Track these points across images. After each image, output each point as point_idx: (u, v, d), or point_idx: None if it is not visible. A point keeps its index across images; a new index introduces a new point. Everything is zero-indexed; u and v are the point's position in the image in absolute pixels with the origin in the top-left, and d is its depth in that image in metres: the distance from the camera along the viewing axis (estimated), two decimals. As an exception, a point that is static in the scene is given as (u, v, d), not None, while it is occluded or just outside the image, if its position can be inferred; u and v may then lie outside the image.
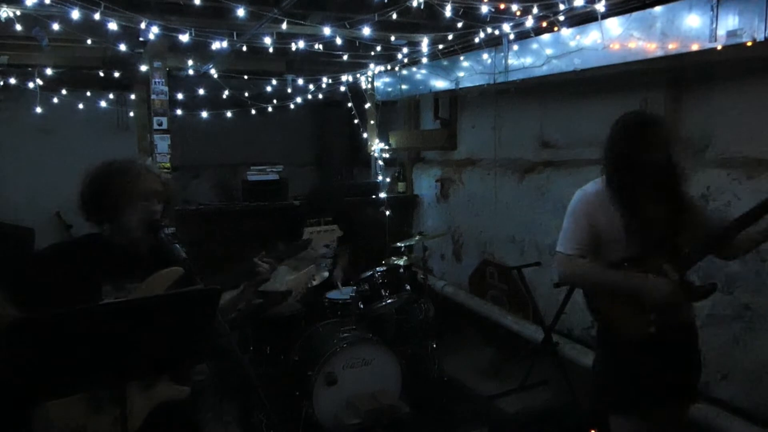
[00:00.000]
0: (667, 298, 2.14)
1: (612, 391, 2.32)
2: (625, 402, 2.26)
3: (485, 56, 4.27)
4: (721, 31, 2.72)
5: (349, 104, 5.69)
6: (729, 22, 2.69)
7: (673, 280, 2.15)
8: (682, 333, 2.30)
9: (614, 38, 3.24)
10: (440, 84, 4.91)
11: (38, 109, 5.02)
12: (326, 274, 4.26)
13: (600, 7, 3.07)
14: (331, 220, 2.76)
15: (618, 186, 2.19)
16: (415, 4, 3.20)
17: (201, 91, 5.18)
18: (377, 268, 3.90)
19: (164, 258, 2.05)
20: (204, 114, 5.59)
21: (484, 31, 3.73)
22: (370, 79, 5.75)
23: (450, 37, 3.93)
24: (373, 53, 4.39)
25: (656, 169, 2.15)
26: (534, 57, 3.83)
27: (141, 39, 3.92)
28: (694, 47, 2.85)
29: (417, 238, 4.51)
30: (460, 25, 3.69)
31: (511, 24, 3.52)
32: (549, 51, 3.70)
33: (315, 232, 2.60)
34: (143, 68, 4.58)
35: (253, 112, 5.62)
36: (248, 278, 2.20)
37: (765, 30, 2.54)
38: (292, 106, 5.83)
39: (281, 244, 2.41)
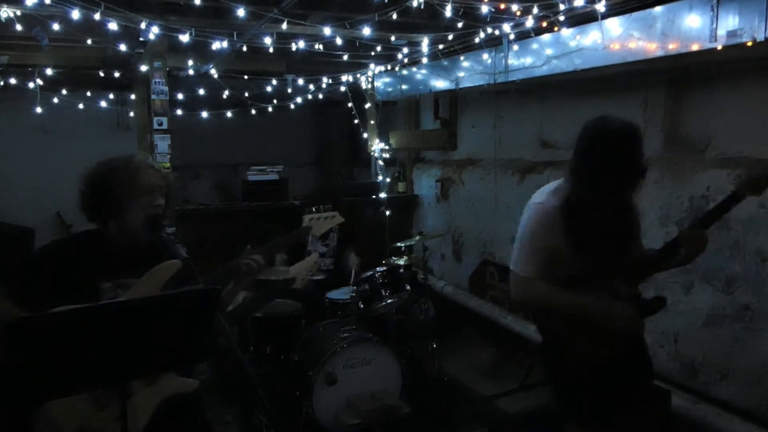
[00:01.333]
0: (631, 322, 2.09)
1: (569, 405, 2.30)
2: (583, 415, 2.23)
3: (485, 56, 4.27)
4: (722, 31, 2.71)
5: (350, 104, 5.69)
6: (729, 22, 2.69)
7: (626, 296, 2.11)
8: (632, 344, 2.26)
9: (614, 38, 3.24)
10: (440, 84, 4.91)
11: (38, 109, 5.01)
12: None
13: (600, 7, 3.07)
14: (331, 207, 2.73)
15: (586, 198, 2.05)
16: (415, 4, 3.20)
17: (201, 91, 5.18)
18: (377, 268, 3.90)
19: (162, 252, 2.05)
20: (204, 114, 5.59)
21: (485, 31, 3.73)
22: (370, 79, 5.74)
23: (450, 37, 3.93)
24: (373, 53, 4.39)
25: (629, 181, 2.03)
26: (534, 57, 3.83)
27: (141, 39, 3.92)
28: (695, 47, 2.84)
29: (417, 238, 4.51)
30: (460, 25, 3.69)
31: (512, 24, 3.52)
32: (549, 51, 3.70)
33: (314, 219, 2.56)
34: (143, 68, 4.58)
35: (253, 112, 5.62)
36: (236, 275, 2.21)
37: (765, 30, 2.54)
38: (292, 106, 5.83)
39: (276, 238, 2.41)
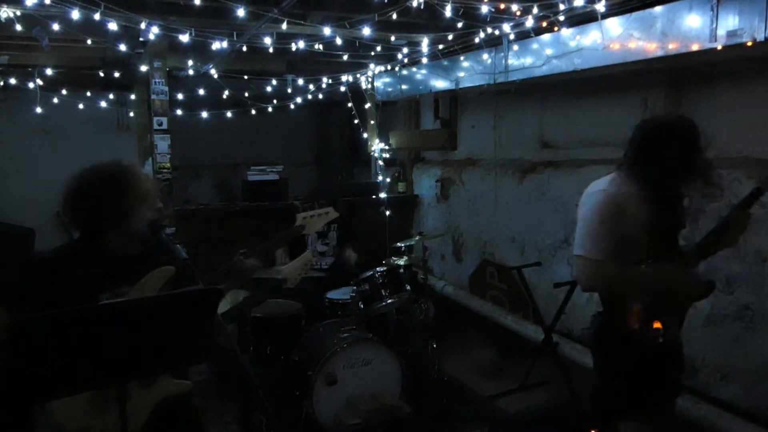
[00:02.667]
0: (699, 290, 2.24)
1: (622, 397, 2.27)
2: (637, 407, 2.24)
3: (485, 56, 4.27)
4: (722, 31, 2.72)
5: (349, 104, 5.69)
6: (729, 22, 2.69)
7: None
8: (677, 332, 2.31)
9: (614, 38, 3.24)
10: (440, 84, 4.91)
11: (38, 109, 5.02)
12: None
13: (600, 7, 3.07)
14: (325, 203, 2.71)
15: (650, 188, 2.16)
16: (415, 4, 3.20)
17: (201, 91, 5.19)
18: (377, 268, 3.90)
19: (156, 258, 2.04)
20: (204, 114, 5.59)
21: (484, 31, 3.73)
22: (370, 79, 5.75)
23: (450, 37, 3.93)
24: (373, 53, 4.39)
25: (694, 171, 2.19)
26: (534, 57, 3.83)
27: (141, 39, 3.92)
28: (695, 47, 2.84)
29: (417, 238, 4.51)
30: (460, 25, 3.69)
31: (511, 24, 3.52)
32: (549, 51, 3.70)
33: (308, 217, 2.53)
34: (143, 68, 4.58)
35: (253, 112, 5.62)
36: (229, 277, 2.21)
37: (765, 30, 2.54)
38: (292, 106, 5.84)
39: (270, 238, 2.40)
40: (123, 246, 2.06)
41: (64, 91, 5.53)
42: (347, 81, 5.50)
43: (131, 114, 6.23)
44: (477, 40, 3.88)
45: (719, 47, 2.74)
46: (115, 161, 2.10)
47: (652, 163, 2.17)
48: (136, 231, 2.04)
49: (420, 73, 5.17)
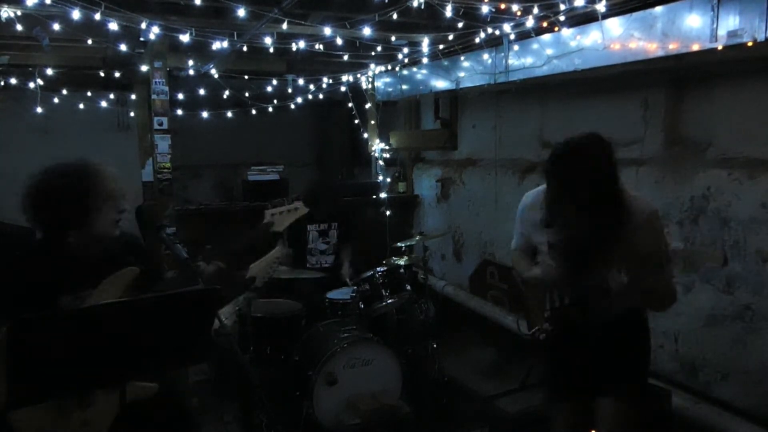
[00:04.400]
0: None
1: (547, 382, 2.55)
2: (557, 392, 2.46)
3: (486, 56, 4.27)
4: (722, 31, 2.71)
5: (350, 104, 5.69)
6: (730, 22, 2.69)
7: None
8: (602, 330, 2.25)
9: (615, 38, 3.24)
10: (441, 84, 4.91)
11: (39, 109, 5.01)
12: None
13: (600, 8, 3.06)
14: (296, 197, 2.65)
15: (551, 199, 2.16)
16: (415, 4, 3.20)
17: (201, 91, 5.18)
18: (378, 268, 3.90)
19: (121, 259, 2.01)
20: (204, 114, 5.59)
21: (485, 31, 3.72)
22: (370, 79, 5.74)
23: (450, 37, 3.93)
24: (373, 53, 4.39)
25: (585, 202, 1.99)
26: (534, 57, 3.83)
27: (141, 39, 3.92)
28: (695, 47, 2.84)
29: (417, 238, 4.50)
30: (460, 25, 3.69)
31: (512, 24, 3.52)
32: (549, 51, 3.69)
33: (276, 214, 2.49)
34: (144, 68, 4.58)
35: (254, 112, 5.62)
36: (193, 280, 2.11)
37: (766, 30, 2.54)
38: (292, 106, 5.83)
39: (236, 238, 2.36)
40: (86, 247, 2.01)
41: (64, 91, 5.53)
42: (347, 81, 5.50)
43: (132, 114, 6.22)
44: (477, 40, 3.88)
45: (720, 47, 2.73)
46: (81, 159, 2.05)
47: (548, 177, 2.17)
48: (100, 232, 2.00)
49: (420, 73, 5.17)
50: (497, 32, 3.71)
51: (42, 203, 1.99)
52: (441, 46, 4.23)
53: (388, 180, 6.26)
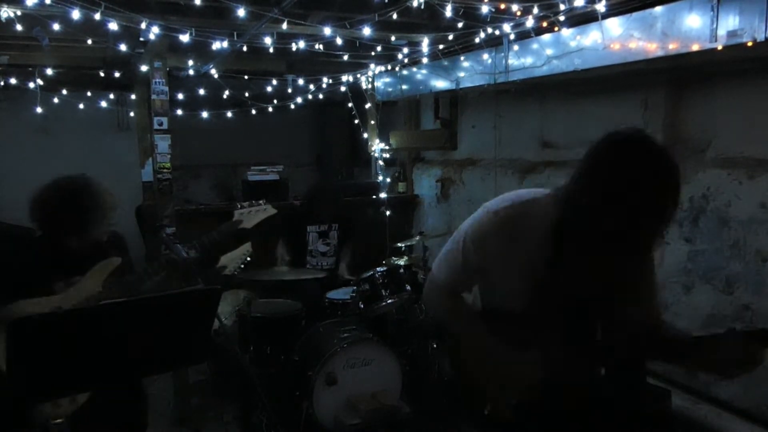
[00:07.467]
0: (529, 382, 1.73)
1: None
2: None
3: (485, 56, 4.27)
4: (722, 31, 2.72)
5: (350, 104, 5.69)
6: (729, 22, 2.69)
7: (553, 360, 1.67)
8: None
9: (615, 38, 3.24)
10: (441, 84, 4.91)
11: (38, 109, 5.01)
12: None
13: (600, 8, 3.07)
14: (264, 201, 2.97)
15: (591, 230, 1.50)
16: (415, 4, 3.20)
17: (201, 91, 5.18)
18: (378, 268, 3.89)
19: (108, 254, 2.29)
20: (204, 114, 5.59)
21: (485, 31, 3.72)
22: (370, 79, 5.74)
23: (450, 37, 3.93)
24: (373, 53, 4.39)
25: (650, 219, 1.47)
26: (534, 57, 3.83)
27: (141, 39, 3.91)
28: (695, 47, 2.85)
29: (417, 238, 4.50)
30: (460, 25, 3.69)
31: (512, 24, 3.52)
32: (549, 51, 3.70)
33: (245, 213, 2.73)
34: (143, 68, 4.57)
35: (254, 112, 5.62)
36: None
37: (765, 30, 2.54)
38: (292, 106, 5.83)
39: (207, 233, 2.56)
40: (79, 247, 2.29)
41: (64, 91, 5.52)
42: (347, 81, 5.49)
43: (131, 114, 6.22)
44: (477, 40, 3.88)
45: (719, 47, 2.74)
46: (84, 177, 2.36)
47: (597, 196, 1.50)
48: (93, 237, 2.28)
49: (420, 73, 5.17)
50: (497, 32, 3.71)
51: (47, 214, 2.30)
52: (441, 46, 4.23)
53: (388, 180, 6.26)
